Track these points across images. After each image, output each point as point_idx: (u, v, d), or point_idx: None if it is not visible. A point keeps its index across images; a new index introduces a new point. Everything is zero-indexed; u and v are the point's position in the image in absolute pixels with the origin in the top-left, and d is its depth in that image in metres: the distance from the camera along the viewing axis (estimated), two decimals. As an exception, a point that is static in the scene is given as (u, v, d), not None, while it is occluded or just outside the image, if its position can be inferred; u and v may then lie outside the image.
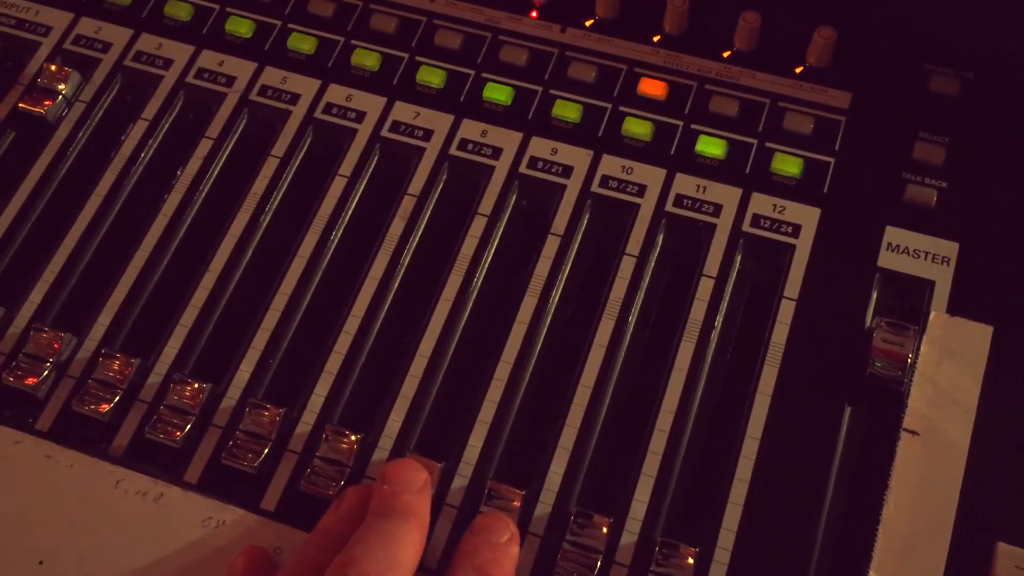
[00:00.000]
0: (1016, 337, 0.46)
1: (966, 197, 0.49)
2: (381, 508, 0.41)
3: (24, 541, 0.44)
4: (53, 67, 0.55)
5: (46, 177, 0.53)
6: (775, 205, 0.50)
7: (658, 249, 0.50)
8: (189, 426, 0.46)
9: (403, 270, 0.50)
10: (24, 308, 0.49)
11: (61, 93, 0.55)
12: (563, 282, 0.49)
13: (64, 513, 0.45)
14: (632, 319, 0.48)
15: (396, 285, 0.50)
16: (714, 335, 0.47)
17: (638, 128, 0.53)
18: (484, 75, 0.55)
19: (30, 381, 0.47)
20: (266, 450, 0.45)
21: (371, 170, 0.53)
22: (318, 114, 0.54)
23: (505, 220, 0.51)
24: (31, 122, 0.55)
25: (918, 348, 0.45)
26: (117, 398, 0.46)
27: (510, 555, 0.42)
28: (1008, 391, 0.44)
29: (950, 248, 0.48)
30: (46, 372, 0.47)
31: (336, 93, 0.55)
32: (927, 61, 0.53)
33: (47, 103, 0.54)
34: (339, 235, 0.51)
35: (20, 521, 0.44)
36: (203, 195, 0.53)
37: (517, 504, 0.43)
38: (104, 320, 0.49)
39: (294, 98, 0.55)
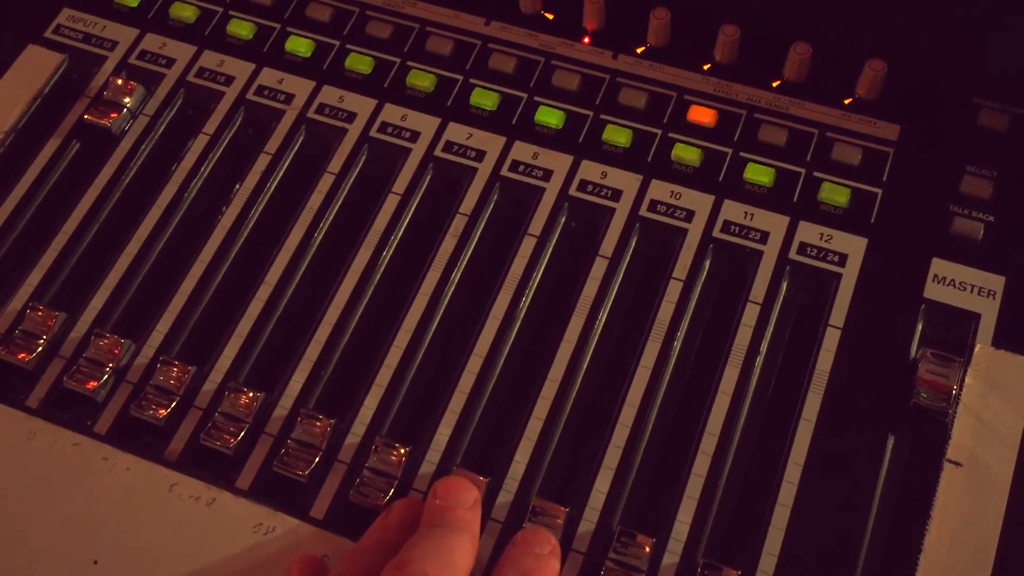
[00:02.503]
0: (1061, 372, 0.46)
1: (1013, 231, 0.50)
2: (434, 520, 0.42)
3: (80, 540, 0.45)
4: (119, 81, 0.57)
5: (109, 187, 0.55)
6: (822, 234, 0.51)
7: (705, 274, 0.51)
8: (243, 433, 0.47)
9: (453, 287, 0.51)
10: (85, 314, 0.51)
11: (126, 106, 0.56)
12: (610, 304, 0.50)
13: (119, 514, 0.46)
14: (678, 343, 0.49)
15: (446, 302, 0.51)
16: (759, 360, 0.48)
17: (687, 154, 0.54)
18: (536, 99, 0.56)
19: (90, 385, 0.48)
20: (316, 459, 0.46)
21: (424, 189, 0.54)
22: (373, 132, 0.56)
23: (555, 241, 0.52)
24: (96, 134, 0.56)
25: (963, 380, 0.46)
26: (174, 404, 0.48)
27: (551, 568, 0.42)
28: (1052, 425, 0.45)
29: (996, 282, 0.49)
30: (105, 376, 0.48)
31: (391, 113, 0.56)
32: (976, 95, 0.54)
33: (112, 115, 0.56)
34: (391, 252, 0.52)
35: (77, 521, 0.46)
36: (260, 208, 0.54)
37: (560, 521, 0.44)
38: (162, 328, 0.50)
39: (351, 116, 0.56)
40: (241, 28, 0.60)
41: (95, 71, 0.59)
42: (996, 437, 0.44)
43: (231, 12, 0.61)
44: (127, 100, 0.56)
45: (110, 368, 0.49)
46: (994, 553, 0.42)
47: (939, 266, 0.49)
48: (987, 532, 0.43)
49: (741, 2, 0.57)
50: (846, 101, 0.55)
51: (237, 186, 0.55)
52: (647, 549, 0.43)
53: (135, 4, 0.61)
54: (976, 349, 0.46)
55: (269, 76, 0.58)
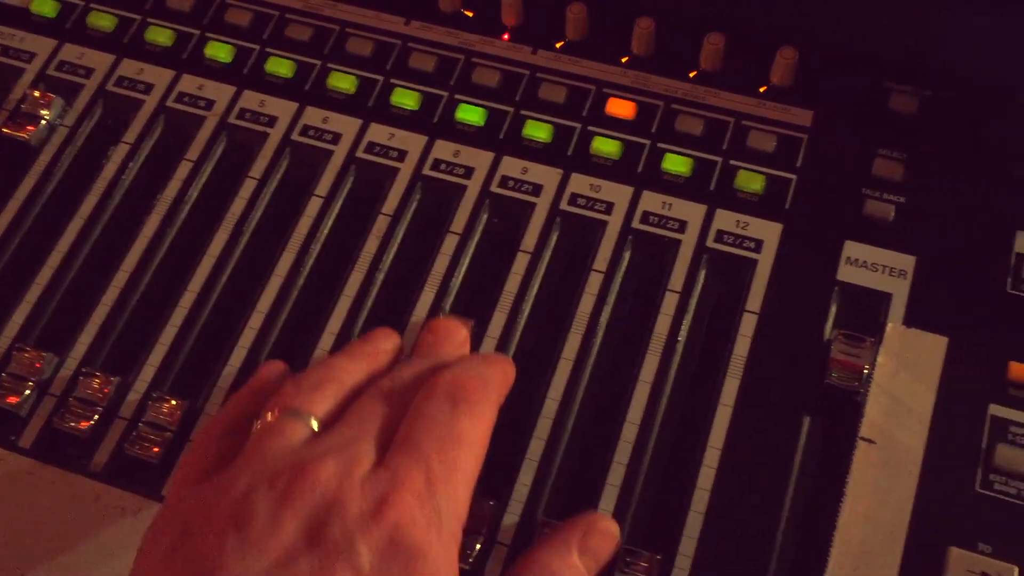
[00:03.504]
0: (970, 348, 0.47)
1: (923, 212, 0.51)
2: (422, 352, 0.46)
3: (7, 554, 0.45)
4: (36, 93, 0.57)
5: (29, 201, 0.55)
6: (738, 221, 0.52)
7: (625, 265, 0.51)
8: (167, 442, 0.47)
9: (377, 288, 0.51)
10: (7, 329, 0.51)
11: (44, 118, 0.56)
12: (532, 298, 0.51)
13: (45, 528, 0.46)
14: (599, 334, 0.49)
15: (371, 303, 0.51)
16: (678, 348, 0.49)
17: (606, 147, 0.54)
18: (457, 97, 0.57)
19: (12, 400, 0.48)
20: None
21: (347, 190, 0.55)
22: (295, 136, 0.56)
23: (477, 239, 0.53)
24: (14, 147, 0.56)
25: (875, 359, 0.46)
26: (97, 415, 0.48)
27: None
28: (961, 401, 0.46)
29: (907, 262, 0.50)
30: (28, 391, 0.48)
31: (313, 115, 0.57)
32: (886, 79, 0.55)
33: (30, 128, 0.56)
34: (316, 254, 0.53)
35: (4, 535, 0.46)
36: (183, 216, 0.54)
37: (484, 513, 0.44)
38: (85, 339, 0.50)
39: (272, 120, 0.56)
40: (160, 35, 0.60)
41: (12, 84, 0.58)
42: (908, 413, 0.45)
43: (149, 19, 0.60)
44: (45, 112, 0.56)
45: (33, 382, 0.48)
46: (907, 527, 0.43)
47: (852, 248, 0.50)
48: (900, 507, 0.44)
49: (655, -6, 0.58)
50: (761, 89, 0.56)
51: (159, 195, 0.55)
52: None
53: (53, 15, 0.61)
54: (888, 328, 0.47)
55: (189, 83, 0.58)
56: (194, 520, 0.37)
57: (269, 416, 0.40)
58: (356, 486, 0.37)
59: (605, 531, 0.42)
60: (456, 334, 0.47)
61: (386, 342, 0.46)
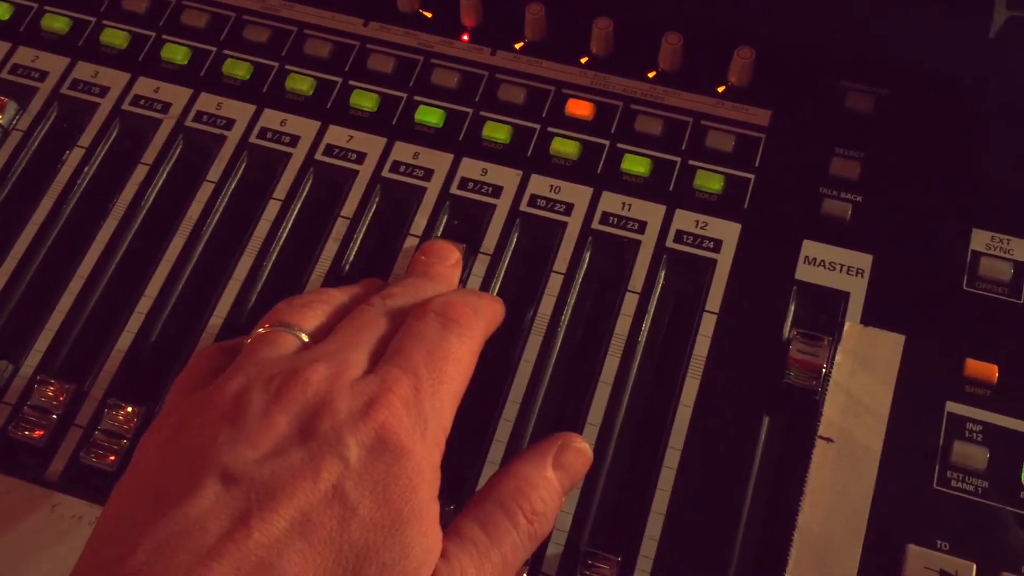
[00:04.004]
0: (927, 346, 0.47)
1: (880, 211, 0.51)
2: (417, 271, 0.48)
3: (-39, 566, 0.45)
4: (-11, 97, 0.56)
5: (-18, 206, 0.54)
6: (697, 221, 0.52)
7: (585, 266, 0.51)
8: (124, 450, 0.46)
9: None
10: (-39, 336, 0.50)
11: (-3, 122, 0.55)
12: (493, 300, 0.50)
13: (2, 537, 0.45)
14: (560, 335, 0.49)
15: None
16: (639, 349, 0.49)
17: (566, 148, 0.54)
18: (416, 98, 0.57)
19: (-35, 409, 0.47)
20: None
21: (306, 193, 0.54)
22: (253, 139, 0.55)
23: (437, 237, 0.52)
24: (-32, 151, 0.55)
25: (833, 358, 0.47)
26: (52, 424, 0.47)
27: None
28: (919, 398, 0.46)
29: (864, 260, 0.50)
30: (-18, 399, 0.48)
31: (270, 118, 0.56)
32: (843, 78, 0.55)
33: (-17, 133, 0.55)
34: (274, 257, 0.52)
35: (-43, 547, 0.45)
36: (139, 220, 0.54)
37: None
38: (40, 347, 0.50)
39: (229, 123, 0.56)
40: (115, 37, 0.59)
41: (-36, 89, 0.58)
42: (866, 412, 0.46)
43: (105, 22, 0.60)
44: (-1, 116, 0.56)
45: (-14, 390, 0.48)
46: (866, 524, 0.43)
47: (810, 247, 0.50)
48: (859, 504, 0.44)
49: (614, -5, 0.58)
50: (719, 89, 0.56)
51: (115, 199, 0.54)
52: (529, 541, 0.44)
53: (7, 17, 0.60)
54: (845, 327, 0.48)
55: (145, 85, 0.57)
56: (189, 417, 0.39)
57: (261, 330, 0.43)
58: (346, 388, 0.39)
59: (579, 449, 0.44)
60: (449, 255, 0.49)
61: (372, 285, 0.48)
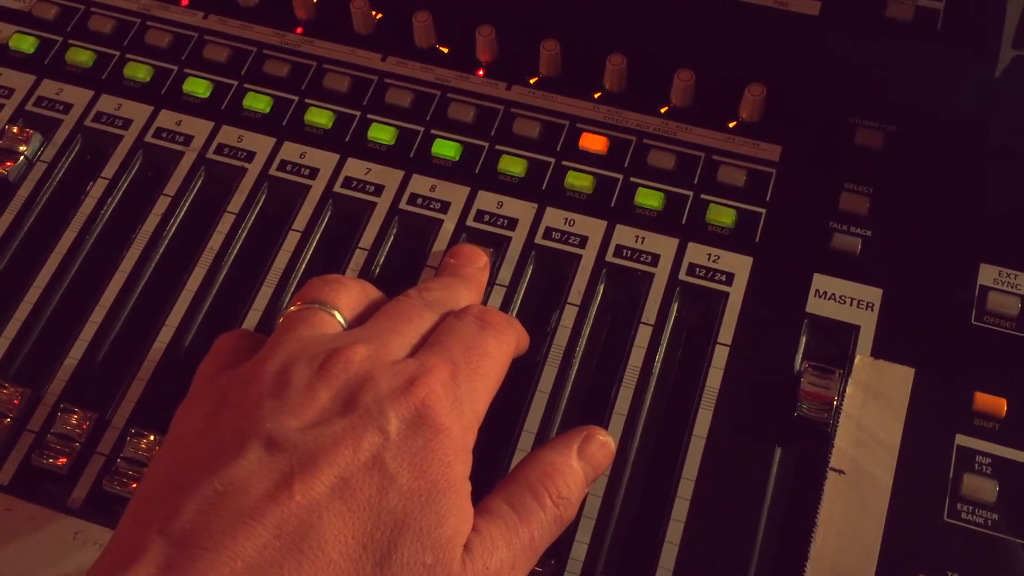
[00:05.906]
0: (937, 379, 0.48)
1: (889, 245, 0.52)
2: (447, 272, 0.50)
3: (-15, 592, 0.45)
4: (15, 129, 0.57)
5: (8, 236, 0.55)
6: (709, 254, 0.53)
7: (599, 298, 0.52)
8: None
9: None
10: (-15, 365, 0.51)
11: (23, 154, 0.56)
12: (508, 331, 0.51)
13: (24, 564, 0.46)
14: (574, 366, 0.50)
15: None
16: (652, 380, 0.50)
17: (580, 181, 0.55)
18: (433, 132, 0.58)
19: (-10, 436, 0.48)
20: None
21: (324, 224, 0.55)
22: (273, 171, 0.57)
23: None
24: (-7, 183, 0.57)
25: (844, 390, 0.47)
26: (75, 451, 0.48)
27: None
28: (929, 431, 0.47)
29: (874, 294, 0.51)
30: (6, 427, 0.48)
31: (290, 151, 0.57)
32: (853, 115, 0.56)
33: (8, 164, 0.56)
34: (294, 288, 0.53)
35: (-20, 573, 0.46)
36: (161, 251, 0.55)
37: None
38: (63, 375, 0.51)
39: (249, 155, 0.57)
40: (138, 71, 0.60)
41: (-9, 121, 0.59)
42: (877, 444, 0.46)
43: (128, 55, 0.61)
44: (23, 148, 0.57)
45: (11, 419, 0.49)
46: (877, 556, 0.44)
47: (820, 281, 0.51)
48: (870, 536, 0.45)
49: (628, 32, 0.59)
50: (730, 124, 0.57)
51: (138, 229, 0.55)
52: (542, 571, 0.44)
53: (31, 51, 0.62)
54: (856, 360, 0.48)
55: (167, 118, 0.59)
56: (231, 391, 0.40)
57: (293, 308, 0.44)
58: (387, 367, 0.40)
59: (603, 442, 0.45)
60: (478, 259, 0.50)
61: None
